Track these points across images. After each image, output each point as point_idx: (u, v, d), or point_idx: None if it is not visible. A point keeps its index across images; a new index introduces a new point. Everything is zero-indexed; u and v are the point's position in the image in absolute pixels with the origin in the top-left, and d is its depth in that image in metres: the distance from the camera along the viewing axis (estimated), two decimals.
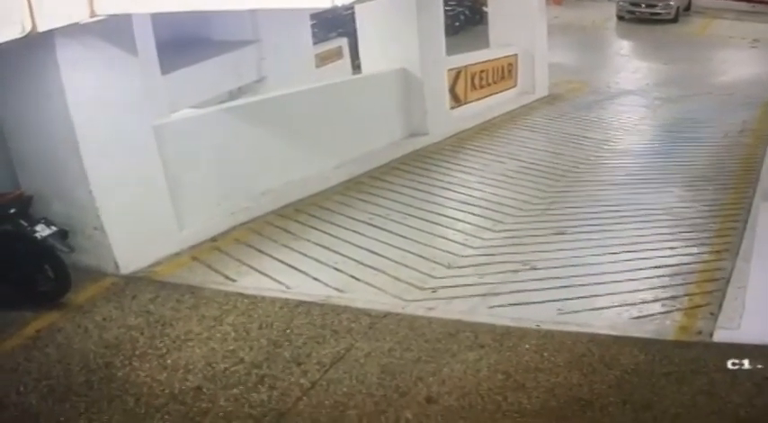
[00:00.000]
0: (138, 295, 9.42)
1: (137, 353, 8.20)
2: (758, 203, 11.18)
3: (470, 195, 13.12)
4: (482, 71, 18.61)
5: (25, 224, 8.86)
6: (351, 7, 15.29)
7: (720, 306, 8.75)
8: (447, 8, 22.33)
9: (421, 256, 10.63)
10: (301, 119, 12.96)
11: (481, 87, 18.58)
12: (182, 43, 15.26)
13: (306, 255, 10.68)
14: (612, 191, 13.57)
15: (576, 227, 11.65)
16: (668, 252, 10.56)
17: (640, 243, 10.84)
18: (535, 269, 10.23)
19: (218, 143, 11.51)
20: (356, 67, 19.56)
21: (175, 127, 11.13)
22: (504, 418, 7.11)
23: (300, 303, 9.19)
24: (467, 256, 10.74)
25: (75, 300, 9.19)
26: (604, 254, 10.58)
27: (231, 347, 8.29)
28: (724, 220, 11.65)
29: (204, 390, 7.56)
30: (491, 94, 19.01)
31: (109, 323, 8.79)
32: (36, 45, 8.49)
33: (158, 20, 12.38)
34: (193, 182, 10.98)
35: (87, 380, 7.74)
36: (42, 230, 8.82)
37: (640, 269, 10.01)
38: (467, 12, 33.06)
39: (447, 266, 10.41)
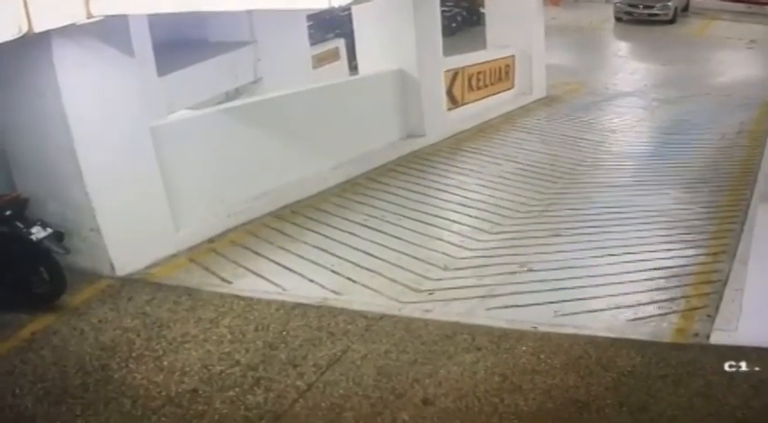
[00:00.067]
0: (134, 297, 9.41)
1: (133, 355, 8.20)
2: (755, 205, 11.17)
3: (467, 197, 13.10)
4: (479, 72, 18.59)
5: (21, 226, 8.84)
6: (348, 8, 15.27)
7: (717, 308, 8.74)
8: (444, 9, 22.32)
9: (417, 258, 10.61)
10: (298, 120, 12.95)
11: (478, 89, 18.55)
12: (178, 44, 15.26)
13: (302, 257, 10.67)
14: (610, 193, 13.56)
15: (573, 229, 11.65)
16: (665, 254, 10.55)
17: (637, 245, 10.83)
18: (532, 271, 10.22)
19: (215, 144, 11.51)
20: (353, 68, 19.54)
21: (172, 128, 11.12)
22: (501, 420, 7.11)
23: (297, 305, 9.18)
24: (464, 258, 10.73)
25: (70, 302, 9.19)
26: (601, 256, 10.57)
27: (227, 350, 8.29)
28: (721, 222, 11.64)
29: (200, 392, 7.56)
30: (488, 96, 18.98)
31: (105, 325, 8.79)
32: (32, 46, 8.48)
33: (155, 21, 12.38)
34: (190, 183, 10.97)
35: (83, 382, 7.73)
36: (38, 232, 8.80)
37: (637, 271, 10.01)
38: (464, 13, 33.06)
39: (444, 268, 10.40)
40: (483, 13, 22.46)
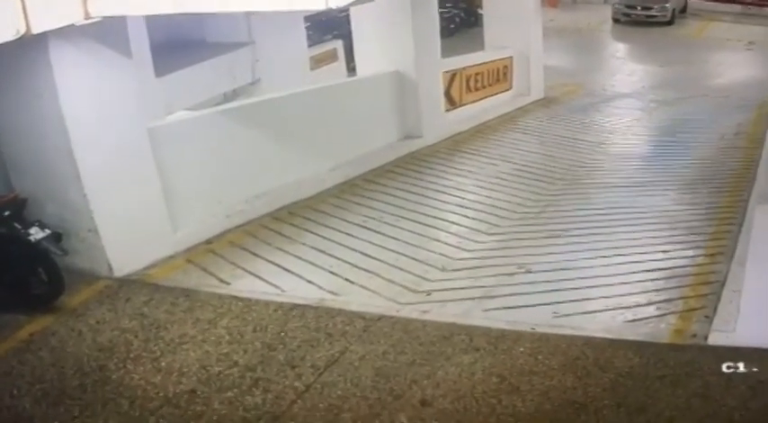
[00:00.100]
0: (132, 298, 9.40)
1: (131, 356, 8.19)
2: (753, 206, 11.18)
3: (465, 198, 13.11)
4: (477, 74, 18.59)
5: (19, 227, 8.85)
6: (346, 9, 15.26)
7: (715, 309, 8.75)
8: (442, 10, 22.40)
9: (415, 259, 10.62)
10: (296, 121, 12.95)
11: (476, 90, 18.55)
12: (176, 45, 15.27)
13: (300, 258, 10.67)
14: (608, 194, 13.57)
15: (570, 230, 11.65)
16: (663, 255, 10.55)
17: (635, 246, 10.84)
18: (530, 272, 10.23)
19: (213, 146, 11.51)
20: (351, 69, 19.55)
21: (170, 129, 11.11)
22: (499, 421, 7.11)
23: (295, 306, 9.18)
24: (461, 260, 10.74)
25: (68, 303, 9.17)
26: (599, 257, 10.57)
27: (225, 350, 8.28)
28: (719, 224, 11.65)
29: (198, 393, 7.56)
30: (486, 97, 18.98)
31: (103, 326, 8.78)
32: (30, 47, 8.47)
33: (153, 22, 12.38)
34: (188, 184, 10.96)
35: (81, 383, 7.73)
36: (36, 233, 8.80)
37: (635, 272, 10.02)
38: (462, 14, 33.05)
39: (441, 269, 10.40)
40: (481, 15, 22.42)
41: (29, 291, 9.03)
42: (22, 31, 7.45)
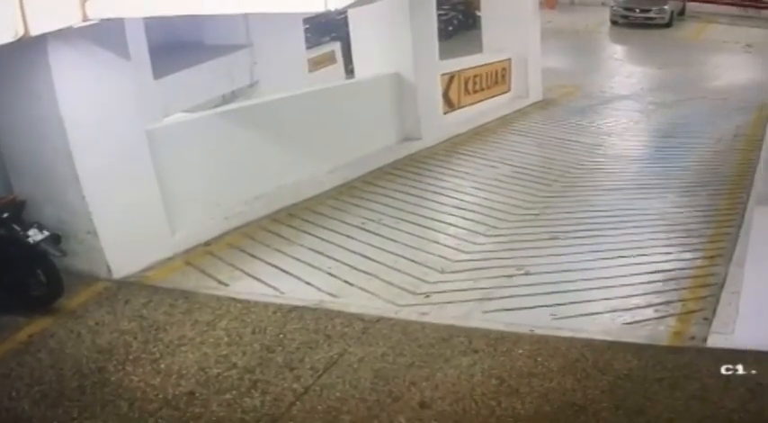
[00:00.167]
0: (130, 300, 9.40)
1: (130, 358, 8.19)
2: (752, 208, 11.17)
3: (463, 200, 13.11)
4: (475, 76, 18.60)
5: (18, 229, 8.84)
6: (344, 11, 15.27)
7: (714, 311, 8.75)
8: (440, 12, 22.41)
9: (414, 261, 10.61)
10: (294, 123, 12.95)
11: (474, 92, 18.56)
12: (174, 47, 15.26)
13: (299, 259, 10.66)
14: (606, 196, 13.57)
15: (569, 232, 11.65)
16: (662, 257, 10.56)
17: (634, 248, 10.85)
18: (529, 274, 10.23)
19: (211, 147, 11.50)
20: (349, 71, 19.56)
21: (168, 131, 11.11)
22: (498, 422, 7.13)
23: (293, 308, 9.18)
24: (460, 261, 10.74)
25: (67, 305, 9.17)
26: (598, 259, 10.57)
27: (224, 352, 8.28)
28: (718, 226, 11.66)
29: (197, 395, 7.55)
30: (484, 99, 18.99)
31: (102, 328, 8.77)
32: (28, 49, 8.46)
33: (151, 24, 12.38)
34: (186, 186, 10.96)
35: (80, 385, 7.72)
36: (35, 235, 8.80)
37: (634, 274, 10.01)
38: (460, 16, 33.10)
39: (440, 271, 10.40)
40: (479, 17, 22.39)
41: (28, 292, 9.02)
42: (21, 33, 7.46)
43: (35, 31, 7.61)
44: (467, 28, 32.15)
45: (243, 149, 11.94)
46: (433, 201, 13.14)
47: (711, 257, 10.45)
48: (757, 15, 35.52)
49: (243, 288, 9.85)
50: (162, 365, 8.05)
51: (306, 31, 19.32)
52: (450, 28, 31.37)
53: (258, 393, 7.57)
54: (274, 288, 9.86)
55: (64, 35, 8.39)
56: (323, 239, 11.29)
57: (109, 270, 9.86)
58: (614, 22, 35.40)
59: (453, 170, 14.80)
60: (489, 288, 9.84)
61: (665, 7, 34.42)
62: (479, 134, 17.40)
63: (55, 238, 9.01)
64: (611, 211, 12.55)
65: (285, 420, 7.22)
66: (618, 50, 32.04)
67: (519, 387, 7.54)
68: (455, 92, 17.74)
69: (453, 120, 17.45)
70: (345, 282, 10.06)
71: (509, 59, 19.99)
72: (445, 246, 11.24)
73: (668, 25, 34.64)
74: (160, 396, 7.54)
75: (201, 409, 7.34)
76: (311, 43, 21.00)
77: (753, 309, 8.37)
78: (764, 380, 7.34)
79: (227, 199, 11.68)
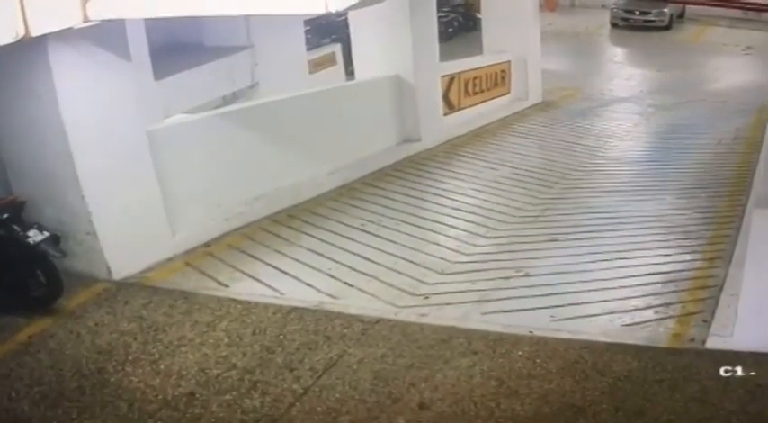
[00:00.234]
0: (130, 301, 9.40)
1: (129, 358, 8.19)
2: (751, 210, 11.18)
3: (463, 202, 13.11)
4: (475, 78, 18.60)
5: (18, 229, 8.84)
6: (344, 13, 15.27)
7: (713, 313, 8.76)
8: (440, 14, 22.40)
9: (414, 263, 10.61)
10: (294, 125, 12.95)
11: (474, 94, 18.57)
12: (175, 49, 15.27)
13: (299, 260, 10.66)
14: (606, 198, 13.57)
15: (568, 234, 11.65)
16: (661, 259, 10.56)
17: (633, 250, 10.84)
18: (528, 276, 10.23)
19: (212, 148, 11.50)
20: (349, 73, 19.57)
21: (168, 132, 11.12)
22: None
23: (293, 309, 9.18)
24: (460, 263, 10.74)
25: (67, 305, 9.18)
26: (597, 261, 10.57)
27: (224, 353, 8.28)
28: (717, 228, 11.66)
29: (197, 395, 7.56)
30: (484, 101, 18.99)
31: (101, 329, 8.78)
32: (29, 50, 8.47)
33: (152, 25, 12.38)
34: (186, 187, 10.96)
35: (80, 385, 7.73)
36: (35, 236, 8.80)
37: (633, 276, 10.01)
38: (460, 18, 33.12)
39: (440, 273, 10.40)
40: (479, 19, 22.41)
41: (27, 293, 9.04)
42: (21, 33, 7.46)
43: (36, 31, 7.62)
44: (467, 30, 32.16)
45: (243, 151, 11.95)
46: (432, 202, 13.14)
47: (711, 259, 10.44)
48: (757, 18, 35.47)
49: (243, 289, 9.85)
50: (162, 366, 8.05)
51: (306, 32, 19.33)
52: (451, 30, 31.40)
53: (258, 394, 7.57)
54: (274, 289, 9.86)
55: (65, 36, 8.40)
56: (323, 241, 11.30)
57: (108, 271, 9.86)
58: (614, 25, 35.44)
59: (453, 172, 14.81)
60: (488, 290, 9.84)
61: (665, 10, 34.43)
62: (479, 136, 17.41)
63: (55, 239, 9.01)
64: (610, 213, 12.55)
65: (285, 421, 7.22)
66: (618, 53, 32.08)
67: (518, 388, 7.55)
68: (455, 94, 17.75)
69: (453, 121, 17.47)
70: (345, 283, 10.06)
71: (509, 61, 20.01)
72: (445, 247, 11.24)
73: (668, 28, 34.66)
74: (160, 397, 7.55)
75: (201, 410, 7.35)
76: (312, 45, 21.01)
77: (752, 311, 8.38)
78: (763, 381, 7.34)
79: (227, 200, 11.68)
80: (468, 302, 9.51)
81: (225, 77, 15.68)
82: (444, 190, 13.77)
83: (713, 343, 8.18)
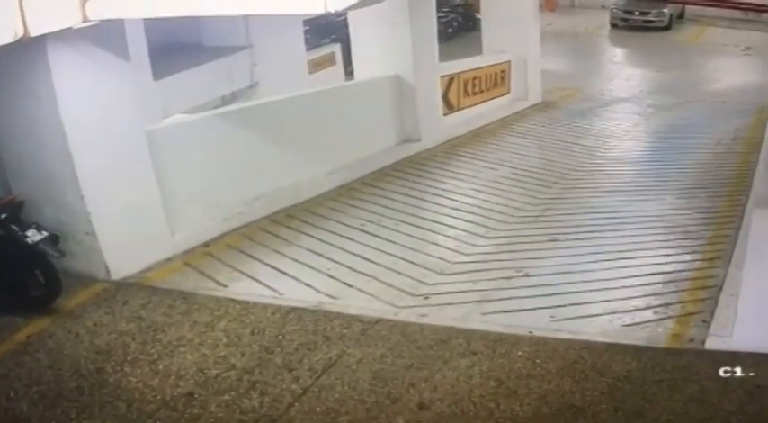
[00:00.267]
0: (129, 301, 9.39)
1: (128, 358, 8.18)
2: (751, 211, 11.17)
3: (463, 202, 13.10)
4: (475, 78, 18.59)
5: (16, 229, 8.83)
6: (344, 13, 15.26)
7: (713, 313, 8.75)
8: (440, 15, 22.41)
9: (413, 263, 10.61)
10: (294, 125, 12.95)
11: (474, 94, 18.56)
12: (174, 49, 15.26)
13: (298, 261, 10.66)
14: (605, 198, 13.57)
15: (568, 234, 11.65)
16: (661, 259, 10.56)
17: (633, 250, 10.83)
18: (528, 276, 10.22)
19: (211, 149, 11.50)
20: (349, 73, 19.57)
21: (168, 132, 11.11)
22: None
23: (292, 309, 9.18)
24: (459, 263, 10.73)
25: (65, 305, 9.17)
26: (597, 261, 10.57)
27: (223, 353, 8.28)
28: (717, 228, 11.65)
29: (196, 396, 7.55)
30: (484, 101, 18.98)
31: (100, 329, 8.77)
32: (28, 49, 8.46)
33: (151, 25, 12.37)
34: (185, 187, 10.95)
35: (78, 385, 7.72)
36: (33, 235, 8.79)
37: (633, 276, 10.01)
38: (460, 18, 33.11)
39: (439, 273, 10.40)
40: (479, 19, 22.41)
41: (26, 293, 9.03)
42: (20, 33, 7.46)
43: (35, 31, 7.62)
44: (466, 30, 32.16)
45: (242, 151, 11.94)
46: (432, 202, 13.14)
47: (710, 259, 10.44)
48: (757, 19, 35.44)
49: (242, 289, 9.84)
50: (160, 366, 8.05)
51: (306, 32, 19.31)
52: (450, 30, 31.40)
53: (257, 394, 7.57)
54: (273, 289, 9.86)
55: (64, 36, 8.39)
56: (322, 241, 11.29)
57: (107, 271, 9.85)
58: (614, 25, 35.41)
59: (453, 172, 14.80)
60: (488, 290, 9.84)
61: (665, 10, 34.39)
62: (479, 136, 17.41)
63: (53, 239, 8.99)
64: (610, 213, 12.55)
65: (284, 421, 7.22)
66: (617, 53, 32.08)
67: (517, 389, 7.54)
68: (455, 94, 17.74)
69: (453, 122, 17.46)
70: (344, 283, 10.05)
71: (509, 62, 20.00)
72: (444, 247, 11.23)
73: (667, 28, 34.63)
74: (158, 397, 7.54)
75: (200, 410, 7.34)
76: (311, 45, 20.99)
77: (751, 311, 8.38)
78: (763, 382, 7.34)
79: (226, 200, 11.67)
80: (468, 303, 9.51)
81: (224, 77, 15.67)
82: (444, 190, 13.76)
83: (712, 343, 8.18)
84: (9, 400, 7.51)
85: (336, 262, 10.60)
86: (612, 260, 10.54)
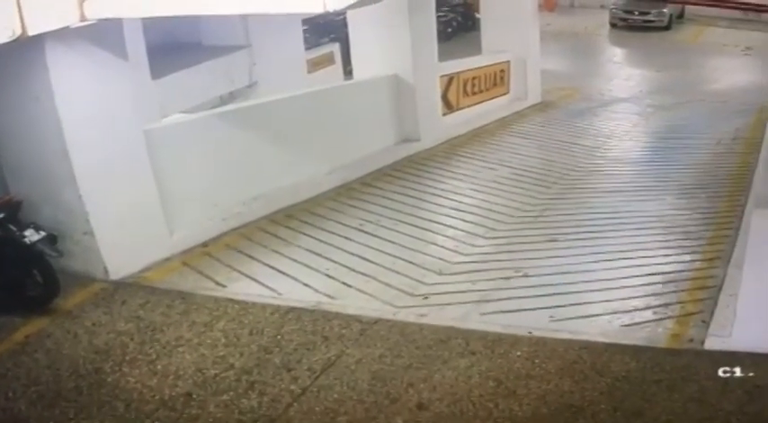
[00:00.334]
0: (127, 301, 9.38)
1: (126, 358, 8.17)
2: (750, 211, 11.16)
3: (462, 202, 13.10)
4: (474, 78, 18.59)
5: (14, 229, 8.81)
6: (342, 13, 15.25)
7: (712, 314, 8.75)
8: (439, 14, 22.40)
9: (412, 263, 10.60)
10: (293, 124, 12.93)
11: (473, 94, 18.55)
12: (172, 48, 15.26)
13: (297, 261, 10.64)
14: (605, 198, 13.57)
15: (568, 234, 11.64)
16: (660, 260, 10.55)
17: (633, 250, 10.83)
18: (527, 276, 10.21)
19: (210, 148, 11.48)
20: (348, 72, 19.56)
21: (166, 132, 11.09)
22: None
23: (291, 309, 9.16)
24: (458, 263, 10.72)
25: (64, 305, 9.15)
26: (597, 261, 10.56)
27: (221, 353, 8.26)
28: (716, 228, 11.65)
29: (194, 396, 7.54)
30: (483, 101, 18.97)
31: (98, 329, 8.76)
32: (26, 49, 8.43)
33: (149, 24, 12.36)
34: (184, 187, 10.94)
35: (77, 385, 7.71)
36: (31, 235, 8.77)
37: (632, 276, 10.01)
38: (459, 18, 33.13)
39: (438, 273, 10.39)
40: (478, 19, 22.42)
41: (24, 293, 9.01)
42: (18, 32, 7.43)
43: (33, 30, 7.59)
44: (466, 30, 32.17)
45: (241, 150, 11.93)
46: (431, 202, 13.13)
47: (710, 260, 10.44)
48: (757, 19, 35.44)
49: (240, 289, 9.83)
50: (159, 366, 8.03)
51: (305, 32, 19.31)
52: (450, 29, 31.40)
53: (255, 394, 7.55)
54: (272, 289, 9.85)
55: (61, 35, 8.37)
56: (321, 241, 11.28)
57: (106, 271, 9.83)
58: (613, 25, 35.42)
59: (452, 172, 14.80)
60: (487, 290, 9.83)
61: (664, 10, 34.40)
62: (478, 136, 17.40)
63: (51, 239, 8.97)
64: (609, 213, 12.55)
65: (282, 422, 7.21)
66: (617, 53, 32.09)
67: (516, 389, 7.53)
68: (454, 93, 17.74)
69: (452, 121, 17.45)
70: (343, 283, 10.05)
71: (508, 61, 19.99)
72: (443, 247, 11.22)
73: (667, 28, 34.64)
74: (157, 397, 7.53)
75: (198, 411, 7.33)
76: (310, 44, 20.99)
77: (750, 311, 8.37)
78: (762, 382, 7.34)
79: (224, 200, 11.65)
80: (467, 303, 9.50)
81: (223, 77, 15.68)
82: (443, 190, 13.76)
83: (712, 343, 8.17)
84: (7, 400, 7.49)
85: (335, 262, 10.59)
86: (612, 260, 10.54)
